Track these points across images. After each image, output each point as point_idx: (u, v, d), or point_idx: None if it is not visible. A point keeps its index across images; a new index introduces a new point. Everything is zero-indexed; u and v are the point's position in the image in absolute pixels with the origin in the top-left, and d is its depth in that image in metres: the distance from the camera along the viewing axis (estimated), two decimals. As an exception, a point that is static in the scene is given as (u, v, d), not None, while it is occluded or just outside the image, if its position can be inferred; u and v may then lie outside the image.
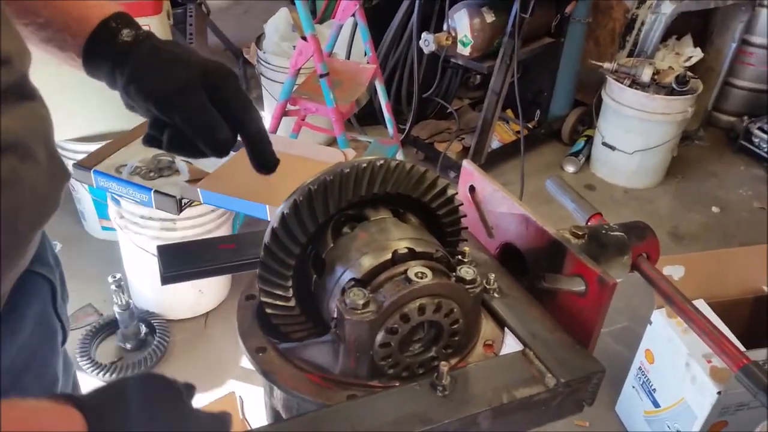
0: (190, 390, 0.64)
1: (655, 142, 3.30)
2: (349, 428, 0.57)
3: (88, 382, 2.19)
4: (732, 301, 1.98)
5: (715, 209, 3.36)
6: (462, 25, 3.04)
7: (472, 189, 0.87)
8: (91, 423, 0.55)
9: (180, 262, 0.79)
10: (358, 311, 0.59)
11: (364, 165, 0.65)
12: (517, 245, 0.80)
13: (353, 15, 2.61)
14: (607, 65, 3.28)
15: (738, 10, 3.61)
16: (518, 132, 3.50)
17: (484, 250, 0.85)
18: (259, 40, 3.51)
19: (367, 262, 0.63)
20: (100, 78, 0.80)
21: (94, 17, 0.77)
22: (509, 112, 3.65)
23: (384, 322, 0.60)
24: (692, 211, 3.35)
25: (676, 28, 3.60)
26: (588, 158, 3.62)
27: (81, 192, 2.69)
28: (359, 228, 0.67)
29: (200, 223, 2.24)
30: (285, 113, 2.53)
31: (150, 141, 0.81)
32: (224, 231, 2.36)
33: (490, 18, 3.05)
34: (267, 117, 3.26)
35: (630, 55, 3.55)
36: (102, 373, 2.20)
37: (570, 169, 3.57)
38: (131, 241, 2.23)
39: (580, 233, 0.79)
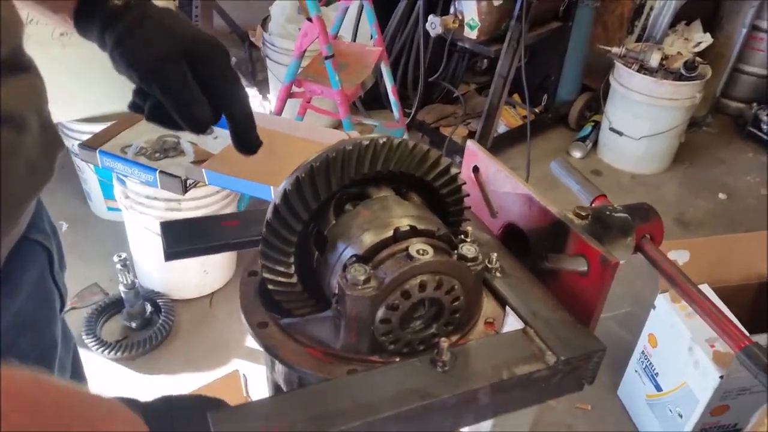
0: None
1: (662, 128, 3.28)
2: (349, 402, 0.58)
3: (94, 359, 2.22)
4: (736, 287, 1.97)
5: (722, 196, 3.34)
6: (469, 8, 3.01)
7: (475, 169, 0.86)
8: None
9: (183, 238, 0.80)
10: (359, 287, 0.60)
11: (367, 143, 0.65)
12: (520, 225, 0.80)
13: (359, -3, 2.59)
14: (615, 50, 3.25)
15: (749, -6, 3.57)
16: (525, 117, 3.48)
17: (487, 230, 0.85)
18: (264, 22, 3.49)
19: (369, 239, 0.63)
20: (92, 39, 0.79)
21: None
22: (516, 96, 3.63)
23: (385, 299, 0.61)
24: (699, 197, 3.34)
25: (686, 13, 3.56)
26: (595, 144, 3.60)
27: (87, 173, 2.69)
28: (361, 205, 0.67)
29: (205, 204, 2.24)
30: (290, 95, 2.52)
31: (134, 107, 0.80)
32: (229, 212, 2.37)
33: (497, 1, 3.02)
34: (273, 99, 3.25)
35: (638, 40, 3.52)
36: (107, 351, 2.22)
37: (577, 154, 3.56)
38: (137, 222, 2.24)
39: (584, 214, 0.79)
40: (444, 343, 0.61)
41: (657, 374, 2.00)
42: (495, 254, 0.75)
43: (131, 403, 0.57)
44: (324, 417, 0.56)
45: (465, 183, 0.73)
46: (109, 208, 2.77)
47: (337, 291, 0.62)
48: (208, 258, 2.34)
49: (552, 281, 0.75)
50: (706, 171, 3.54)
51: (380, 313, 0.61)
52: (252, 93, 2.99)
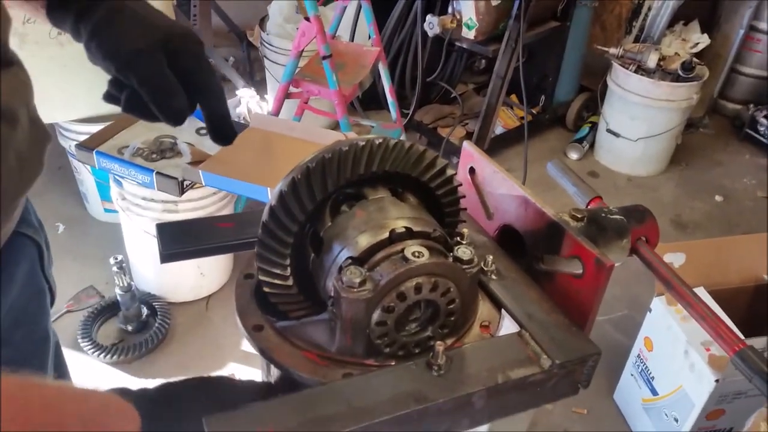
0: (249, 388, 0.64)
1: (659, 130, 3.28)
2: (344, 406, 0.58)
3: (90, 363, 2.21)
4: (732, 289, 1.98)
5: (718, 198, 3.35)
6: (467, 7, 3.01)
7: (472, 171, 0.86)
8: (144, 422, 0.55)
9: (179, 240, 0.79)
10: (355, 289, 0.59)
11: (363, 143, 0.65)
12: (516, 227, 0.80)
13: (357, -3, 2.59)
14: (613, 50, 3.25)
15: (746, -4, 3.58)
16: (522, 117, 3.49)
17: (483, 232, 0.85)
18: (262, 21, 3.49)
19: (365, 241, 0.63)
20: (65, 29, 0.78)
21: None
22: (513, 97, 3.63)
23: (380, 301, 0.61)
24: (696, 199, 3.34)
25: (684, 14, 3.57)
26: (592, 145, 3.61)
27: (84, 174, 2.69)
28: (357, 206, 0.67)
29: (202, 205, 2.24)
30: (288, 95, 2.52)
31: (109, 98, 0.79)
32: (226, 213, 2.36)
33: (495, 1, 3.02)
34: (270, 99, 3.25)
35: (636, 40, 3.52)
36: (103, 354, 2.22)
37: (574, 155, 3.56)
38: (133, 223, 2.23)
39: (580, 216, 0.79)
40: (439, 346, 0.61)
41: (653, 378, 2.00)
42: (491, 256, 0.75)
43: (123, 393, 0.57)
44: (319, 421, 0.56)
45: (461, 184, 0.73)
46: (106, 210, 2.76)
47: (332, 293, 0.62)
48: (205, 260, 2.33)
49: (547, 283, 0.75)
50: (702, 173, 3.55)
51: (376, 315, 0.61)
52: (250, 93, 2.98)
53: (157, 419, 0.58)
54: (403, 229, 0.64)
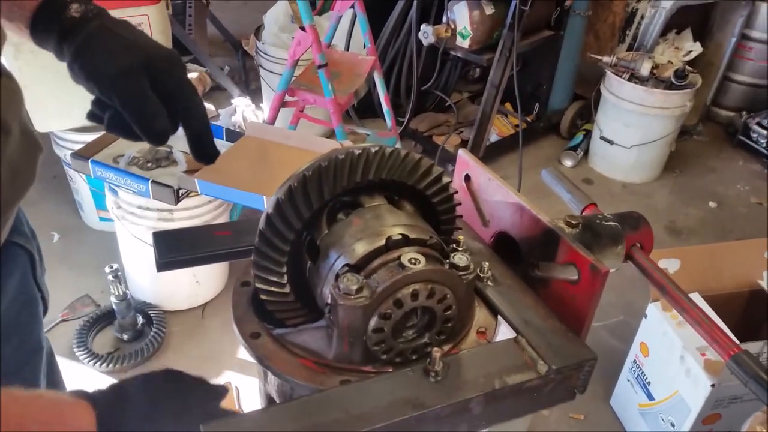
0: (201, 385, 0.65)
1: (653, 137, 3.30)
2: (342, 413, 0.58)
3: (85, 372, 2.20)
4: (727, 295, 1.98)
5: (712, 204, 3.36)
6: (461, 17, 3.03)
7: (467, 178, 0.87)
8: (101, 420, 0.56)
9: (175, 248, 0.80)
10: (352, 296, 0.60)
11: (359, 152, 0.66)
12: (512, 234, 0.81)
13: (352, 6, 2.60)
14: (606, 59, 3.27)
15: (738, 4, 3.61)
16: (517, 125, 3.50)
17: (479, 239, 0.85)
18: (258, 31, 3.50)
19: (361, 248, 0.63)
20: (48, 49, 0.79)
21: None
22: (508, 105, 3.65)
23: (377, 308, 0.61)
24: (690, 205, 3.35)
25: (676, 22, 3.59)
26: (586, 152, 3.62)
27: (79, 183, 2.68)
28: (354, 214, 0.67)
29: (198, 213, 2.24)
30: (283, 104, 2.52)
31: (92, 117, 0.80)
32: (222, 222, 2.36)
33: (489, 10, 3.04)
34: (266, 108, 3.26)
35: (630, 48, 3.54)
36: (99, 363, 2.20)
37: (568, 163, 3.57)
38: (128, 232, 2.23)
39: (575, 222, 0.80)
40: (436, 352, 0.62)
41: (649, 383, 2.00)
42: (487, 263, 0.75)
43: (80, 395, 0.59)
44: (317, 428, 0.56)
45: (457, 192, 0.73)
46: (101, 219, 2.76)
47: (329, 300, 0.62)
48: (200, 268, 2.33)
49: (543, 289, 0.75)
50: (696, 179, 3.57)
51: (373, 322, 0.61)
52: (245, 102, 2.99)
53: (116, 416, 0.60)
54: (400, 237, 0.64)
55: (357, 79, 2.58)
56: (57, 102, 2.23)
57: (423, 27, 3.04)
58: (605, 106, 3.41)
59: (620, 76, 3.22)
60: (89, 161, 1.59)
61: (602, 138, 3.46)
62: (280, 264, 0.66)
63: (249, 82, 3.96)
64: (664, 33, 3.55)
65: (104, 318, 2.37)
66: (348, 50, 3.27)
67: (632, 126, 3.30)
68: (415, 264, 0.61)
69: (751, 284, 2.02)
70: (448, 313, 0.65)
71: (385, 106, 2.84)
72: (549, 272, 0.74)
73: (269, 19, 3.40)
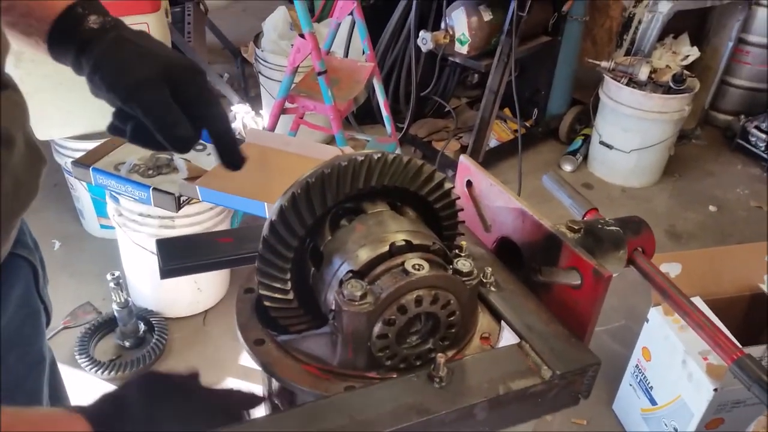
0: (192, 378, 0.65)
1: (652, 141, 3.31)
2: (346, 419, 0.58)
3: (87, 380, 2.20)
4: (728, 299, 1.98)
5: (712, 208, 3.37)
6: (459, 23, 3.04)
7: (469, 184, 0.87)
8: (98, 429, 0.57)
9: (179, 256, 0.80)
10: (356, 303, 0.60)
11: (362, 158, 0.66)
12: (514, 239, 0.81)
13: (351, 13, 2.61)
14: (604, 64, 3.28)
15: (735, 8, 3.62)
16: (516, 131, 3.51)
17: (481, 244, 0.86)
18: (257, 38, 3.51)
19: (365, 254, 0.63)
20: (66, 63, 0.79)
21: (59, 2, 0.76)
22: (507, 110, 3.66)
23: (381, 314, 0.61)
24: (689, 210, 3.36)
25: (673, 27, 3.61)
26: (585, 157, 3.63)
27: (80, 190, 2.68)
28: (357, 221, 0.67)
29: (199, 220, 2.24)
30: (283, 111, 2.53)
31: (114, 130, 0.79)
32: (223, 228, 2.36)
33: (487, 16, 3.05)
34: (265, 115, 3.26)
35: (627, 53, 3.55)
36: (101, 371, 2.20)
37: (567, 167, 3.58)
38: (130, 239, 2.23)
39: (576, 227, 0.80)
40: (441, 358, 0.62)
41: (651, 388, 2.00)
42: (489, 268, 0.76)
43: (74, 409, 0.59)
44: (322, 434, 0.56)
45: (459, 197, 0.74)
46: (102, 226, 2.76)
47: (333, 307, 0.62)
48: (202, 276, 2.33)
49: (545, 294, 0.75)
50: (695, 183, 3.57)
51: (377, 328, 0.62)
52: (245, 109, 2.99)
53: (110, 425, 0.60)
54: (403, 243, 0.64)
55: (356, 86, 2.59)
56: (58, 110, 2.24)
57: (421, 33, 3.05)
58: (604, 111, 3.41)
59: (618, 81, 3.23)
60: (90, 169, 1.59)
61: (601, 143, 3.46)
62: (283, 270, 0.66)
63: (248, 89, 3.97)
64: (661, 38, 3.56)
65: (106, 325, 2.37)
66: (347, 57, 3.28)
67: (631, 130, 3.31)
68: (418, 270, 0.61)
69: (752, 288, 2.03)
70: (451, 318, 0.65)
71: (385, 112, 2.85)
72: (552, 277, 0.74)
73: (268, 26, 3.41)
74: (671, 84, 3.15)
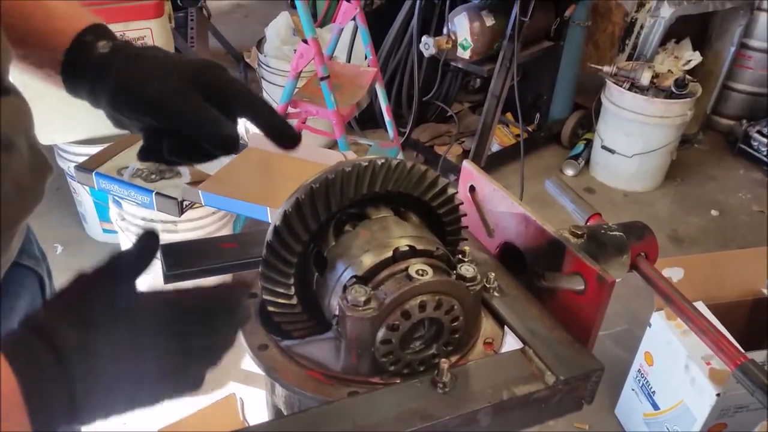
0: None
1: (654, 146, 3.31)
2: (350, 425, 0.58)
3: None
4: (731, 303, 1.98)
5: (714, 212, 3.36)
6: (462, 28, 3.05)
7: (472, 189, 0.87)
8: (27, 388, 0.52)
9: (183, 261, 0.80)
10: (360, 308, 0.60)
11: (366, 164, 0.66)
12: (517, 244, 0.81)
13: (354, 18, 2.62)
14: (606, 69, 3.28)
15: (737, 13, 3.63)
16: (518, 135, 3.51)
17: (484, 249, 0.86)
18: (260, 43, 3.52)
19: (369, 260, 0.64)
20: (82, 96, 0.75)
21: (68, 31, 0.73)
22: (509, 115, 3.66)
23: (385, 319, 0.61)
24: (691, 214, 3.35)
25: (675, 32, 3.61)
26: (587, 161, 3.63)
27: (82, 194, 2.69)
28: (361, 226, 0.68)
29: (201, 225, 2.24)
30: (286, 116, 2.53)
31: (147, 153, 0.75)
32: (225, 233, 2.36)
33: (489, 21, 3.06)
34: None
35: (629, 58, 3.56)
36: (102, 375, 2.20)
37: (569, 172, 3.58)
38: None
39: (579, 233, 0.80)
40: (444, 363, 0.62)
41: (654, 392, 2.00)
42: (493, 274, 0.76)
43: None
44: (325, 439, 0.56)
45: (462, 203, 0.74)
46: (105, 231, 2.76)
47: (337, 312, 0.62)
48: (203, 280, 2.33)
49: (549, 300, 0.75)
50: (698, 188, 3.57)
51: (381, 334, 0.62)
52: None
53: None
54: (407, 248, 0.64)
55: (359, 91, 2.59)
56: (61, 115, 2.24)
57: (424, 38, 3.06)
58: (606, 116, 3.42)
59: (620, 86, 3.23)
60: (93, 174, 1.59)
61: (603, 147, 3.46)
62: (287, 276, 0.66)
63: (251, 94, 3.97)
64: (663, 42, 3.56)
65: (107, 330, 2.37)
66: (350, 62, 3.28)
67: (633, 135, 3.31)
68: (422, 275, 0.62)
69: (755, 292, 2.02)
70: (455, 324, 0.65)
71: (387, 117, 2.85)
72: (555, 282, 0.74)
73: (271, 31, 3.42)
74: (673, 89, 3.15)
